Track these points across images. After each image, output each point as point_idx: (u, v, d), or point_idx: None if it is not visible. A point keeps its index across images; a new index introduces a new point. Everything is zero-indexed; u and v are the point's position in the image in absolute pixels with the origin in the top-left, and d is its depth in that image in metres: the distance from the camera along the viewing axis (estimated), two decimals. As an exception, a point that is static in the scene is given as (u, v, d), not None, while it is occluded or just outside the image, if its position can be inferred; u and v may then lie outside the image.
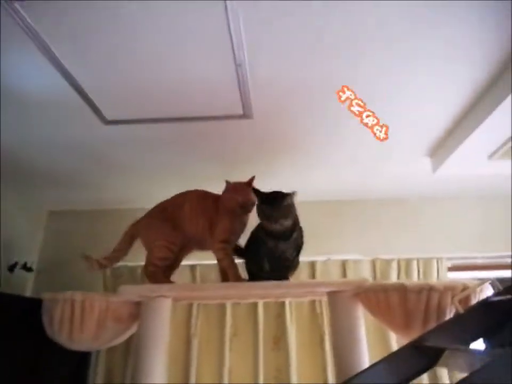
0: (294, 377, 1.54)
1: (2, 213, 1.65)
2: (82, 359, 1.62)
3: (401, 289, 1.08)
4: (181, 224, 1.25)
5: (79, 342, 1.26)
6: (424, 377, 1.50)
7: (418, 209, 1.83)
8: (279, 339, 1.64)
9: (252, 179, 1.23)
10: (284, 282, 1.29)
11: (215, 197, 1.28)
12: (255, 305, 1.66)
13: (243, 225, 1.23)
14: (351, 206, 1.84)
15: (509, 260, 1.74)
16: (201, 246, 1.29)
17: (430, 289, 1.05)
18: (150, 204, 1.86)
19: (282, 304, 1.65)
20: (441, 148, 1.46)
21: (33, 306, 1.29)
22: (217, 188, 1.67)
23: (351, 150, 1.48)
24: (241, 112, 1.17)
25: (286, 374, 1.56)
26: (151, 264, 1.25)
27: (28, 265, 1.77)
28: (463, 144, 1.34)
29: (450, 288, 1.05)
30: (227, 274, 1.20)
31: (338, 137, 1.39)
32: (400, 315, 1.08)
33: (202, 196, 1.29)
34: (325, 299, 1.60)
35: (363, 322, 1.21)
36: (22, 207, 1.82)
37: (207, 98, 1.13)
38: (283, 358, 1.60)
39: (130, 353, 1.59)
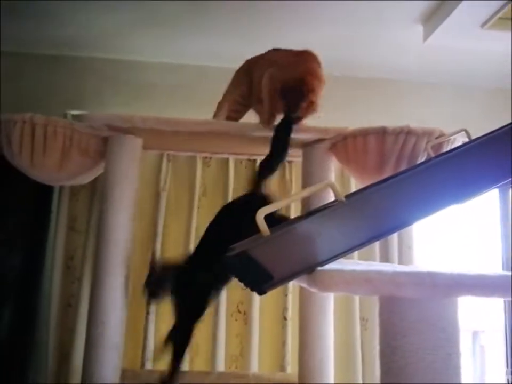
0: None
1: None
2: (44, 199, 1.56)
3: (381, 132, 1.10)
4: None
5: (41, 169, 1.19)
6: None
7: (402, 93, 1.81)
8: (246, 202, 1.67)
9: None
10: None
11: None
12: (225, 167, 1.66)
13: None
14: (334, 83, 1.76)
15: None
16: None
17: (408, 132, 1.08)
18: (110, 54, 1.69)
19: (253, 168, 1.66)
20: (434, 15, 1.40)
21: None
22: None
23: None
24: None
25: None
26: (227, 116, 1.27)
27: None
28: (456, 10, 1.30)
29: (427, 133, 1.08)
30: None
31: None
32: (375, 158, 1.11)
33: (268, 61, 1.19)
34: (295, 160, 1.63)
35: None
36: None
37: None
38: (249, 219, 1.65)
39: (95, 203, 1.56)
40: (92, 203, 1.58)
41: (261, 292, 0.56)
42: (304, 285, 0.62)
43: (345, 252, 0.59)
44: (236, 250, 0.57)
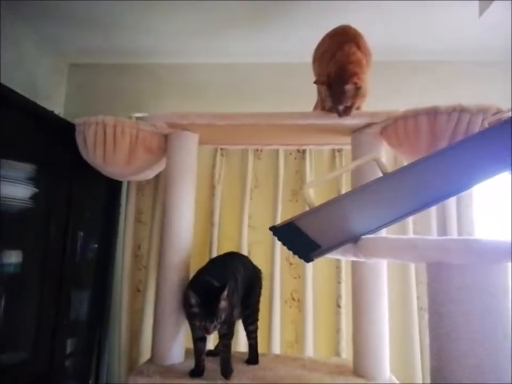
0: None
1: (25, 54, 1.65)
2: (114, 194, 1.74)
3: (432, 112, 1.07)
4: None
5: (112, 165, 1.33)
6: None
7: (456, 73, 1.73)
8: (297, 192, 1.71)
9: None
10: (310, 113, 1.30)
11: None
12: (276, 159, 1.71)
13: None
14: (387, 68, 1.72)
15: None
16: None
17: (461, 110, 1.04)
18: (176, 60, 1.83)
19: (303, 159, 1.69)
20: (492, -12, 1.33)
21: (67, 129, 1.35)
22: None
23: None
24: None
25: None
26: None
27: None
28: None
29: (482, 110, 1.04)
30: None
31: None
32: (428, 138, 1.09)
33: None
34: (345, 147, 1.64)
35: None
36: (43, 55, 1.79)
37: None
38: (300, 209, 1.68)
39: (158, 197, 1.70)
40: (156, 197, 1.72)
41: (308, 260, 0.60)
42: (351, 257, 0.65)
43: (389, 222, 0.61)
44: (284, 222, 0.62)
